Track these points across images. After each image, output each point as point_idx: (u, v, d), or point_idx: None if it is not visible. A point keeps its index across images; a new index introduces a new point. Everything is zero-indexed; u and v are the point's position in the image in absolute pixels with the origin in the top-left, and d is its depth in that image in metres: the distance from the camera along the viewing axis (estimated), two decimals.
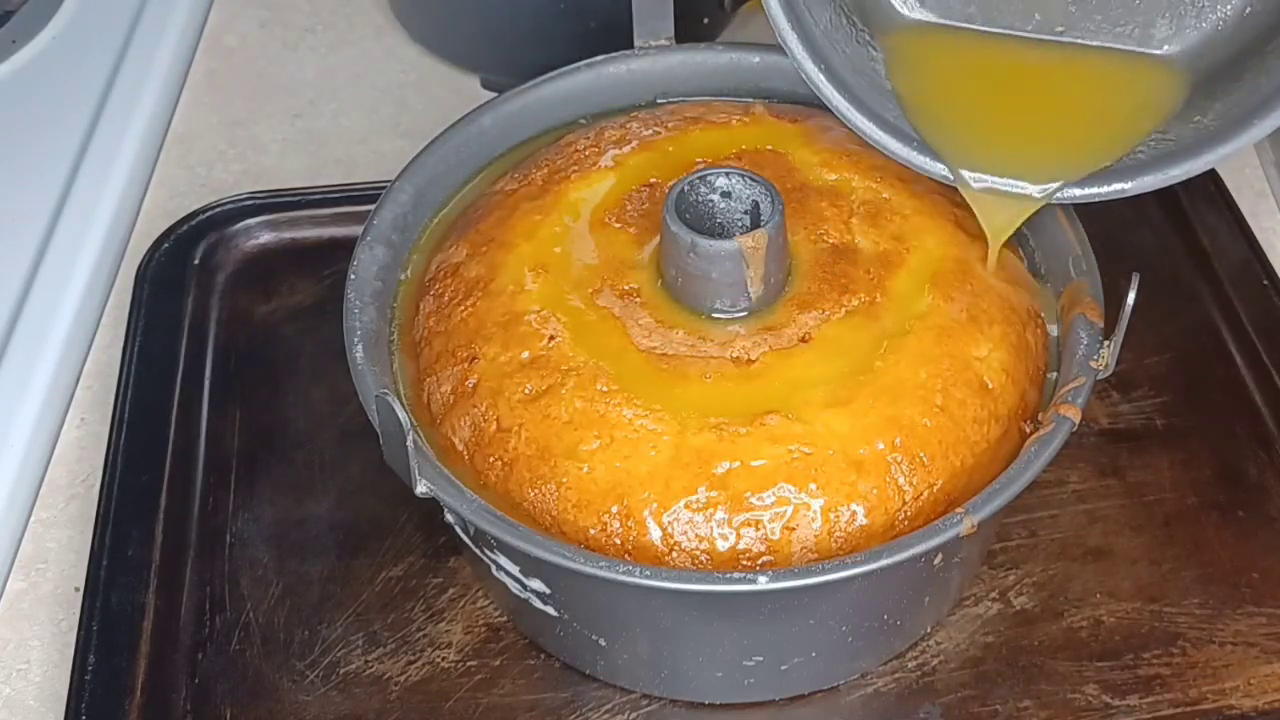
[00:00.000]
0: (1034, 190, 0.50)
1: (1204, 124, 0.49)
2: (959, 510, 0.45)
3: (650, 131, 0.56)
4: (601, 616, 0.49)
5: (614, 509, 0.46)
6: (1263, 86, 0.48)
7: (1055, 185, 0.49)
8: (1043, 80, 0.53)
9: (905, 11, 0.55)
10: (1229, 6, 0.52)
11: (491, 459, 0.48)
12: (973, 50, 0.54)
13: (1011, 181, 0.50)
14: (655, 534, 0.46)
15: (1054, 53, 0.54)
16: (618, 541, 0.46)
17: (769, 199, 0.49)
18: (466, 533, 0.49)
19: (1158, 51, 0.53)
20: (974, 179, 0.50)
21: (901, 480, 0.47)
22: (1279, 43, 0.49)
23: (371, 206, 0.54)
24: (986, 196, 0.50)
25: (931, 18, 0.55)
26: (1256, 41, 0.50)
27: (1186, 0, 0.52)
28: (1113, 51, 0.53)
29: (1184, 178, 0.48)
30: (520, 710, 0.51)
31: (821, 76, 0.51)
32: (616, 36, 0.58)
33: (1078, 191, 0.50)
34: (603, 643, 0.50)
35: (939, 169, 0.51)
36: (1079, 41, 0.54)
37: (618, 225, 0.52)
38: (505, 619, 0.54)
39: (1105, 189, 0.49)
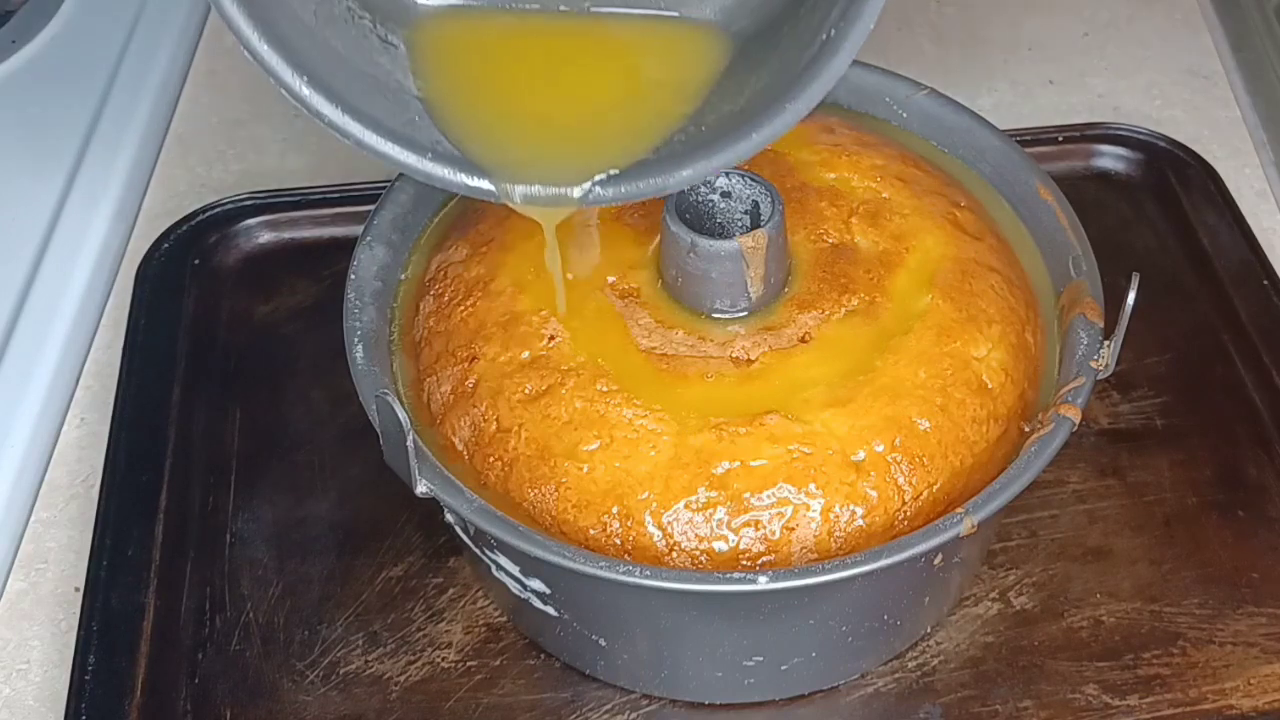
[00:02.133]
0: (574, 192, 0.44)
1: (740, 105, 0.45)
2: (959, 510, 0.45)
3: None
4: (601, 616, 0.49)
5: (614, 509, 0.46)
6: (795, 59, 0.43)
7: (592, 185, 0.44)
8: (574, 65, 0.48)
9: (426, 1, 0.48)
10: None
11: (491, 459, 0.48)
12: (498, 39, 0.48)
13: (551, 188, 0.45)
14: (655, 534, 0.46)
15: (589, 30, 0.48)
16: (618, 541, 0.46)
17: (769, 199, 0.49)
18: (466, 533, 0.49)
19: (696, 15, 0.47)
20: (516, 191, 0.44)
21: (901, 480, 0.47)
22: (809, 11, 0.44)
23: (371, 206, 0.54)
24: (532, 207, 0.45)
25: (452, 0, 0.48)
26: (787, 6, 0.46)
27: None
28: (651, 21, 0.48)
29: (725, 168, 0.44)
30: (520, 710, 0.51)
31: (305, 88, 0.43)
32: None
33: (614, 190, 0.44)
34: (603, 643, 0.50)
35: (481, 186, 0.45)
36: (617, 11, 0.48)
37: (618, 225, 0.52)
38: (505, 619, 0.54)
39: (642, 184, 0.44)
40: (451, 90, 0.46)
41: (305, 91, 0.43)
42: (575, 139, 0.46)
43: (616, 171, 0.44)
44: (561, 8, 0.48)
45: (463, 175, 0.44)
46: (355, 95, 0.44)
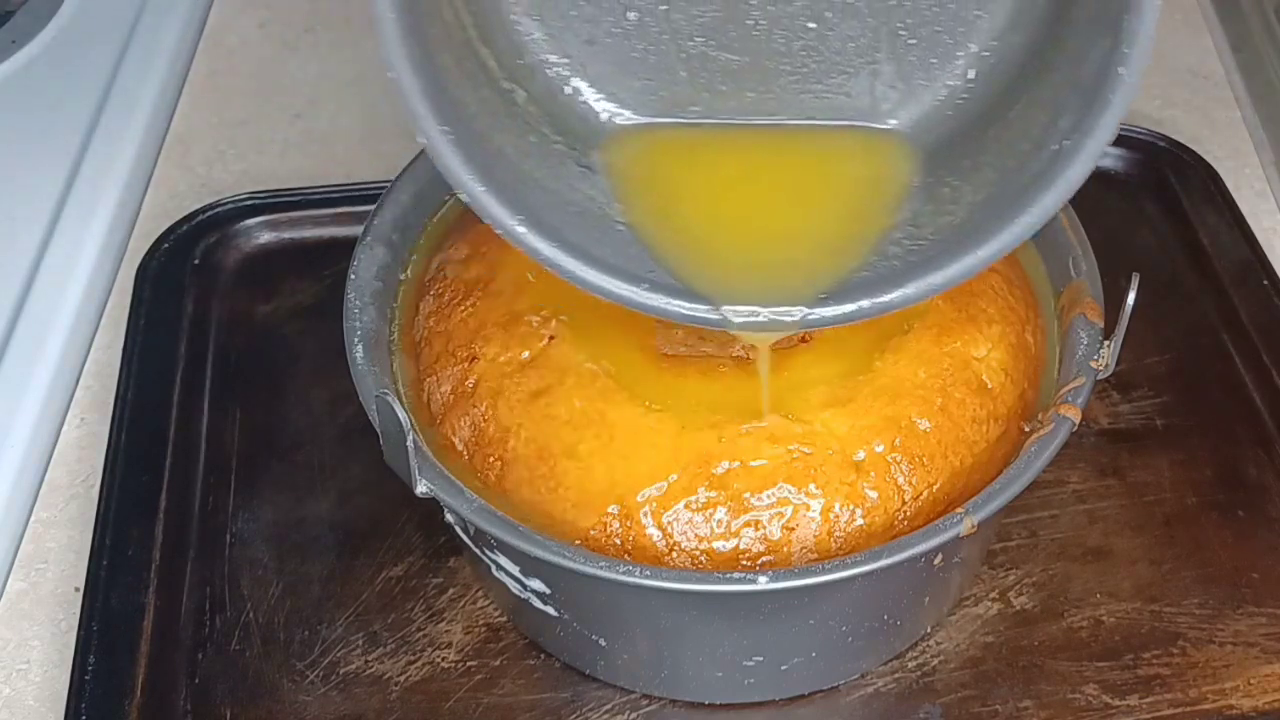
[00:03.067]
0: (792, 317, 0.44)
1: (959, 218, 0.43)
2: (959, 510, 0.45)
3: None
4: (601, 616, 0.49)
5: (613, 509, 0.46)
6: (1018, 170, 0.42)
7: (811, 308, 0.43)
8: (771, 181, 0.47)
9: (608, 119, 0.47)
10: (954, 64, 0.45)
11: (491, 459, 0.48)
12: (690, 157, 0.47)
13: (771, 314, 0.44)
14: (655, 534, 0.46)
15: (781, 143, 0.47)
16: (617, 541, 0.46)
17: None
18: (466, 533, 0.49)
19: (883, 125, 0.46)
20: (736, 320, 0.44)
21: (901, 480, 0.47)
22: (1019, 118, 0.43)
23: (371, 206, 0.54)
24: (746, 333, 0.44)
25: (640, 119, 0.47)
26: (986, 113, 0.45)
27: (909, 57, 0.45)
28: (839, 132, 0.47)
29: (953, 284, 0.43)
30: (520, 710, 0.51)
31: (520, 227, 0.42)
32: None
33: (834, 311, 0.43)
34: (603, 643, 0.50)
35: (699, 314, 0.44)
36: (805, 123, 0.47)
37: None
38: (505, 619, 0.54)
39: (864, 304, 0.43)
40: (654, 214, 0.45)
41: (522, 231, 0.42)
42: (786, 260, 0.45)
43: (827, 292, 0.43)
44: (748, 120, 0.47)
45: (679, 303, 0.43)
46: (564, 227, 0.43)
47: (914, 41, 0.45)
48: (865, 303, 0.43)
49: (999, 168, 0.43)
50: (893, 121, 0.46)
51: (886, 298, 0.43)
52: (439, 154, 0.40)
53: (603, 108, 0.46)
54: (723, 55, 0.46)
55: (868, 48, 0.45)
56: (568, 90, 0.46)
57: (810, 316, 0.43)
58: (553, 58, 0.46)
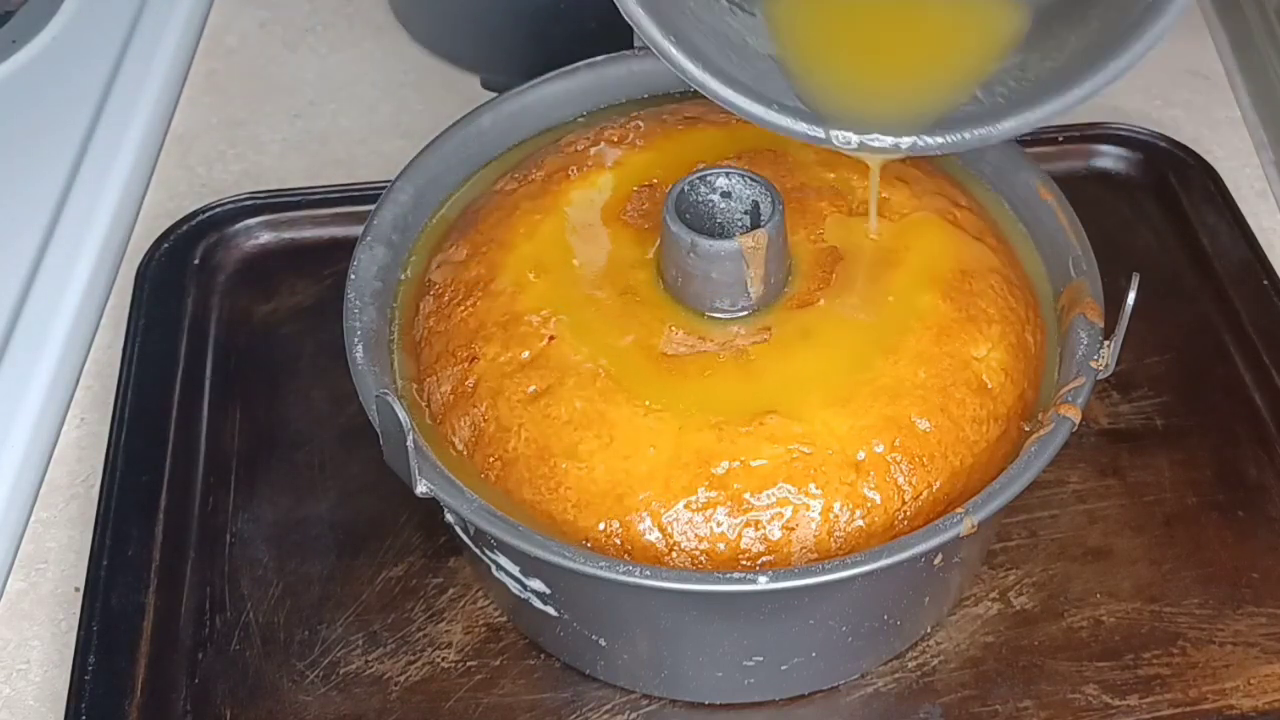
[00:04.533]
0: (903, 143, 0.48)
1: (1060, 63, 0.48)
2: (959, 510, 0.45)
3: (650, 131, 0.56)
4: (601, 616, 0.49)
5: (613, 509, 0.46)
6: (1115, 21, 0.46)
7: (917, 137, 0.48)
8: (899, 23, 0.52)
9: None
10: None
11: (491, 459, 0.48)
12: (831, 3, 0.53)
13: (882, 139, 0.49)
14: (655, 534, 0.46)
15: None
16: (617, 541, 0.46)
17: (769, 199, 0.49)
18: (466, 533, 0.49)
19: None
20: (854, 141, 0.49)
21: (901, 480, 0.47)
22: None
23: (371, 206, 0.54)
24: (869, 154, 0.50)
25: None
26: None
27: None
28: None
29: (1043, 121, 0.47)
30: (520, 710, 0.51)
31: (674, 48, 0.48)
32: (616, 36, 0.58)
33: (940, 140, 0.48)
34: (603, 643, 0.50)
35: (819, 135, 0.49)
36: None
37: (618, 225, 0.52)
38: (505, 619, 0.54)
39: (967, 135, 0.48)
40: (792, 50, 0.51)
41: (674, 51, 0.47)
42: (902, 92, 0.50)
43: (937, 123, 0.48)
44: None
45: (803, 125, 0.48)
46: (711, 51, 0.48)
47: None
48: (968, 134, 0.48)
49: (1104, 19, 0.47)
50: None
51: (986, 130, 0.47)
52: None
53: None
54: None
55: None
56: None
57: (920, 142, 0.48)
58: None
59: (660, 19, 0.47)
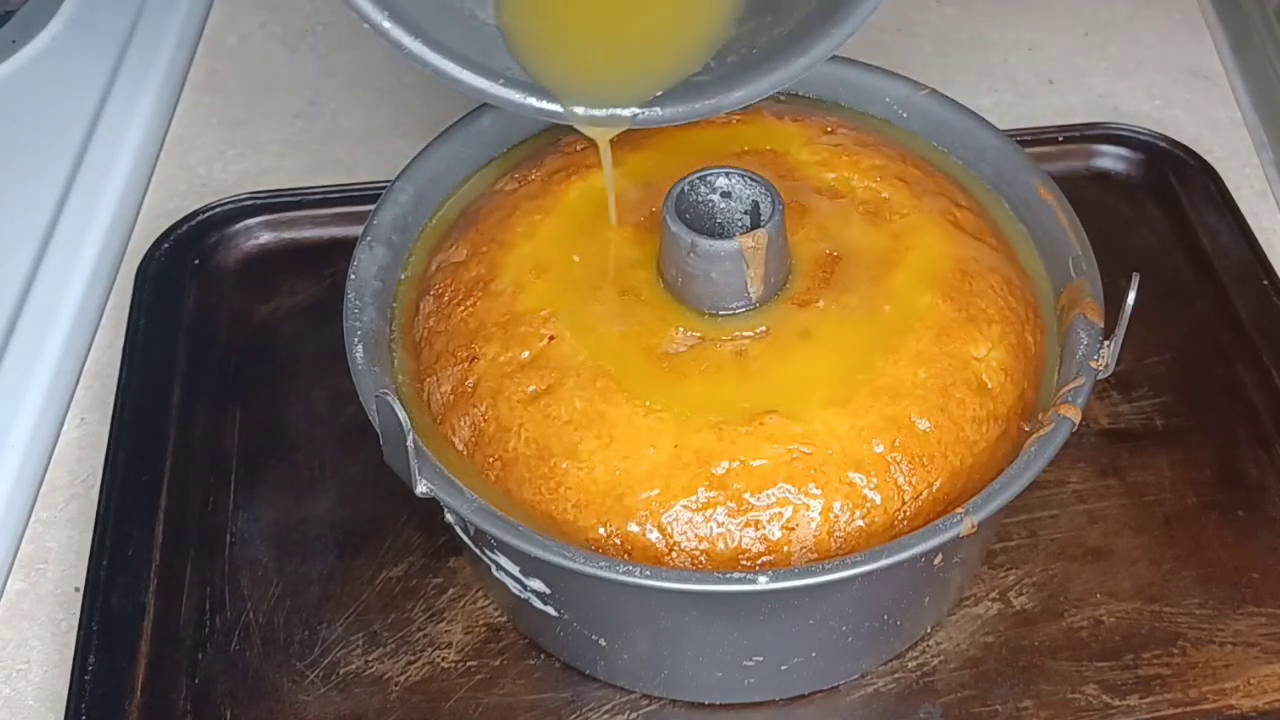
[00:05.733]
0: (626, 112, 0.48)
1: (789, 28, 0.48)
2: (959, 510, 0.45)
3: (650, 131, 0.55)
4: (601, 616, 0.49)
5: (613, 509, 0.46)
6: None
7: (642, 108, 0.48)
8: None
9: None
10: None
11: (491, 459, 0.48)
12: None
13: (608, 110, 0.48)
14: (654, 534, 0.46)
15: None
16: (617, 541, 0.46)
17: (769, 199, 0.49)
18: (466, 533, 0.49)
19: None
20: (578, 113, 0.48)
21: (901, 480, 0.47)
22: None
23: (371, 206, 0.54)
24: (594, 126, 0.49)
25: None
26: None
27: None
28: None
29: (774, 88, 0.47)
30: (520, 710, 0.51)
31: (387, 22, 0.46)
32: None
33: (669, 110, 0.48)
34: (603, 643, 0.50)
35: (547, 108, 0.48)
36: None
37: (618, 225, 0.52)
38: (505, 619, 0.54)
39: (697, 105, 0.48)
40: (519, 17, 0.49)
41: (387, 25, 0.45)
42: (630, 61, 0.49)
43: (665, 92, 0.48)
44: None
45: (531, 99, 0.47)
46: (430, 24, 0.46)
47: None
48: (697, 104, 0.48)
49: None
50: None
51: (717, 99, 0.47)
52: None
53: None
54: None
55: None
56: None
57: (644, 115, 0.48)
58: None
59: None
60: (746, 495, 0.46)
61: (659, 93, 0.48)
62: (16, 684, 0.54)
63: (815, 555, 0.46)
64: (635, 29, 0.50)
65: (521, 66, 0.48)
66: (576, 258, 0.51)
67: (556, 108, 0.48)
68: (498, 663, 0.53)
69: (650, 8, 0.51)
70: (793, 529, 0.46)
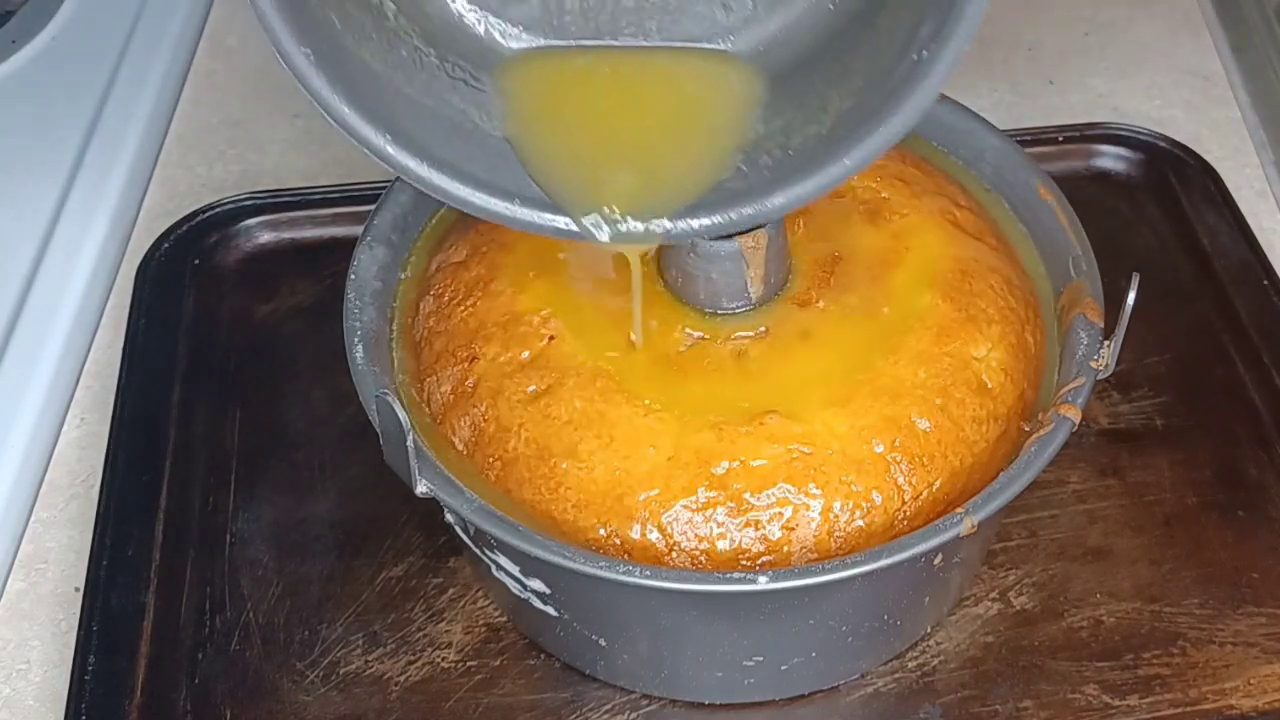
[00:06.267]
0: (659, 227, 0.44)
1: (826, 128, 0.44)
2: (959, 510, 0.45)
3: None
4: (601, 616, 0.49)
5: (613, 509, 0.46)
6: (881, 80, 0.42)
7: (675, 221, 0.44)
8: (642, 98, 0.48)
9: (505, 43, 0.47)
10: None
11: (491, 459, 0.48)
12: (571, 75, 0.47)
13: (639, 226, 0.44)
14: (654, 534, 0.46)
15: (651, 63, 0.48)
16: (617, 541, 0.46)
17: None
18: (466, 533, 0.49)
19: (725, 45, 0.47)
20: (605, 232, 0.44)
21: (901, 480, 0.47)
22: (885, 25, 0.43)
23: (371, 206, 0.54)
24: (623, 245, 0.45)
25: (535, 42, 0.47)
26: (854, 20, 0.45)
27: None
28: (706, 51, 0.47)
29: (817, 195, 0.43)
30: (520, 710, 0.51)
31: (390, 146, 0.42)
32: None
33: (703, 222, 0.44)
34: (603, 643, 0.50)
35: (571, 228, 0.44)
36: (674, 44, 0.47)
37: None
38: (505, 619, 0.54)
39: (733, 214, 0.44)
40: (528, 130, 0.46)
41: (391, 151, 0.42)
42: (655, 173, 0.46)
43: (695, 203, 0.44)
44: (622, 42, 0.47)
45: (552, 218, 0.44)
46: (435, 143, 0.43)
47: None
48: (733, 213, 0.44)
49: (866, 74, 0.44)
50: (759, 30, 0.47)
51: (750, 209, 0.44)
52: (300, 75, 0.40)
53: (478, 20, 0.46)
54: None
55: None
56: None
57: (676, 228, 0.44)
58: None
59: (371, 113, 0.41)
60: (746, 495, 0.46)
61: (690, 203, 0.44)
62: (16, 684, 0.54)
63: (815, 555, 0.46)
64: (655, 138, 0.47)
65: (536, 182, 0.44)
66: (576, 258, 0.51)
67: (577, 228, 0.44)
68: (498, 663, 0.53)
69: (667, 113, 0.47)
70: (793, 529, 0.46)
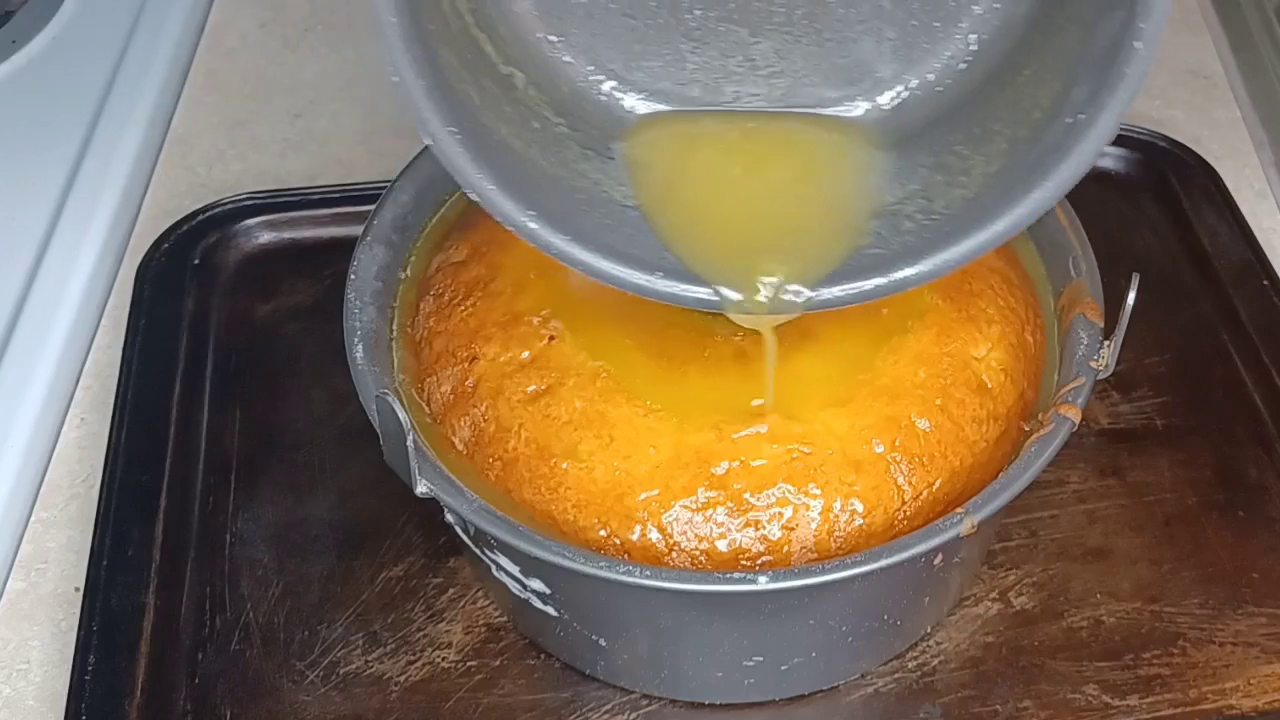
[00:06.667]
0: (803, 299, 0.43)
1: (971, 191, 0.43)
2: (959, 510, 0.45)
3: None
4: (601, 616, 0.49)
5: (613, 509, 0.46)
6: (1028, 142, 0.42)
7: (824, 286, 0.43)
8: (770, 168, 0.47)
9: (631, 110, 0.47)
10: (957, 29, 0.45)
11: (491, 459, 0.48)
12: (697, 142, 0.47)
13: (780, 295, 0.44)
14: (654, 534, 0.46)
15: (784, 129, 0.47)
16: (617, 541, 0.46)
17: None
18: (466, 533, 0.49)
19: (849, 110, 0.47)
20: (748, 302, 0.43)
21: (901, 480, 0.47)
22: (1029, 85, 0.43)
23: (371, 206, 0.54)
24: (762, 316, 0.45)
25: (659, 108, 0.47)
26: (992, 80, 0.45)
27: (912, 22, 0.45)
28: (840, 116, 0.47)
29: (965, 261, 0.42)
30: (520, 710, 0.51)
31: (533, 223, 0.42)
32: None
33: (845, 290, 0.43)
34: (603, 643, 0.50)
35: (712, 299, 0.43)
36: (806, 110, 0.47)
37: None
38: (505, 619, 0.54)
39: (877, 283, 0.43)
40: (664, 202, 0.45)
41: (533, 226, 0.42)
42: (793, 242, 0.45)
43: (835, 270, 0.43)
44: (751, 107, 0.47)
45: (693, 290, 0.43)
46: (573, 216, 0.43)
47: (916, 4, 0.45)
48: (880, 280, 0.43)
49: (1010, 137, 0.43)
50: (896, 91, 0.46)
51: (899, 275, 0.43)
52: (447, 155, 0.40)
53: (605, 87, 0.46)
54: (724, 27, 0.46)
55: (870, 13, 0.45)
56: (565, 65, 0.46)
57: (819, 297, 0.43)
58: (550, 36, 0.45)
59: (513, 189, 0.41)
60: (746, 495, 0.46)
61: (831, 271, 0.43)
62: (16, 684, 0.54)
63: (815, 555, 0.46)
64: (792, 207, 0.46)
65: (674, 254, 0.44)
66: None
67: (718, 298, 0.43)
68: (498, 663, 0.53)
69: (799, 181, 0.46)
70: (792, 529, 0.46)
